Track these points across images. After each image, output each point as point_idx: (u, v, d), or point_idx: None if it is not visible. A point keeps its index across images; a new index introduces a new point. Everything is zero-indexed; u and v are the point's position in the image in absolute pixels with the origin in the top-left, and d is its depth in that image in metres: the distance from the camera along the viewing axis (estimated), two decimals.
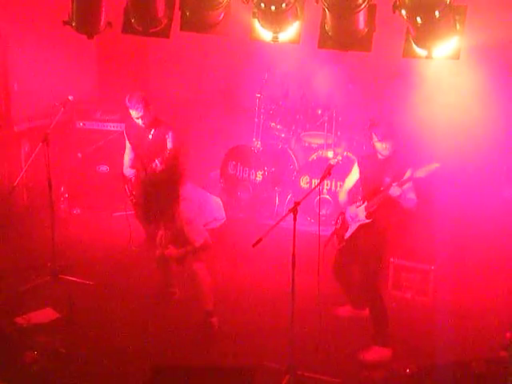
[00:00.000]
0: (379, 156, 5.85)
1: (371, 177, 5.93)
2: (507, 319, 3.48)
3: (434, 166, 5.45)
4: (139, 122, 6.85)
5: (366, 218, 5.86)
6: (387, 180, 5.72)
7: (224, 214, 6.32)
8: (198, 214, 6.01)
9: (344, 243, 6.08)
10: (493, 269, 6.87)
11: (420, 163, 5.56)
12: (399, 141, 5.79)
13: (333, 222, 6.33)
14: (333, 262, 6.25)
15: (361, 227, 5.92)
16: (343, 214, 6.13)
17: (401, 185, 5.56)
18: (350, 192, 6.20)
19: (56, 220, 7.16)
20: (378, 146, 5.77)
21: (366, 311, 6.22)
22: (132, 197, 7.11)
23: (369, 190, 5.94)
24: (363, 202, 5.92)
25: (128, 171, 7.03)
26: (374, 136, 5.77)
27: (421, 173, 5.49)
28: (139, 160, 6.91)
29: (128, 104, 6.81)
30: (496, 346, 5.48)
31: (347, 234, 6.02)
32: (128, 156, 7.07)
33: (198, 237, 5.95)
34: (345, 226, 6.07)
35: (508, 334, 3.87)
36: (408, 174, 5.55)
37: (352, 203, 6.08)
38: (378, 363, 5.63)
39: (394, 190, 5.58)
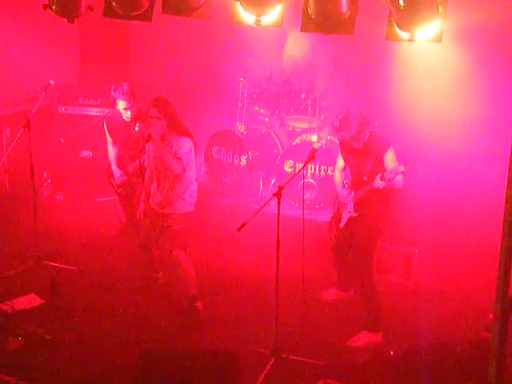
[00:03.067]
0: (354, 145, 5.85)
1: (352, 163, 5.95)
2: (489, 301, 3.50)
3: (401, 168, 5.35)
4: (127, 113, 6.80)
5: (354, 211, 5.87)
6: (368, 167, 5.71)
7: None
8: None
9: (338, 231, 6.16)
10: (475, 251, 6.92)
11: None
12: (371, 128, 5.75)
13: (334, 208, 6.31)
14: (332, 245, 6.34)
15: (350, 219, 5.94)
16: (337, 199, 6.16)
17: (383, 178, 5.45)
18: (344, 170, 6.20)
19: (39, 206, 7.11)
20: (351, 141, 5.74)
21: (351, 293, 6.29)
22: (120, 189, 7.14)
23: (354, 175, 5.96)
24: (351, 191, 5.93)
25: (117, 172, 7.05)
26: (342, 137, 5.79)
27: (389, 174, 5.41)
28: (128, 154, 6.91)
29: (114, 94, 6.76)
30: (479, 327, 5.57)
31: (341, 224, 6.05)
32: (111, 152, 7.07)
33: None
34: (339, 212, 6.10)
35: (490, 315, 3.91)
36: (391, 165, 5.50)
37: (344, 186, 6.08)
38: (367, 348, 5.65)
39: (378, 184, 5.49)
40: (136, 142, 6.76)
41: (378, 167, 5.62)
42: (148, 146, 6.00)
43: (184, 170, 5.83)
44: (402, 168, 5.34)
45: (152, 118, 5.80)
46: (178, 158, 5.79)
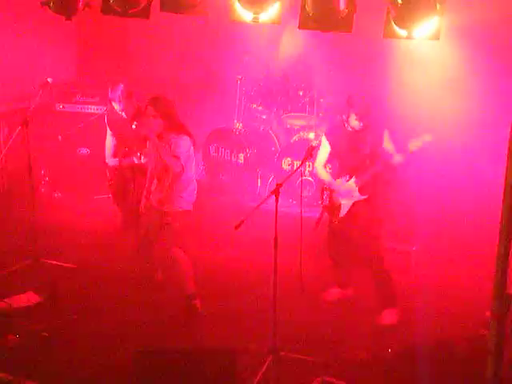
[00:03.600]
0: (348, 128, 5.88)
1: (346, 149, 5.95)
2: (486, 298, 3.50)
3: (427, 137, 5.56)
4: (122, 114, 6.81)
5: (361, 194, 5.90)
6: (366, 150, 5.77)
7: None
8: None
9: (337, 221, 6.09)
10: (472, 249, 6.93)
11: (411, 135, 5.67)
12: (373, 116, 5.85)
13: (319, 201, 6.28)
14: (326, 240, 6.32)
15: (356, 203, 5.95)
16: (328, 190, 6.11)
17: (406, 151, 5.66)
18: (326, 165, 6.24)
19: (37, 203, 7.10)
20: (355, 123, 5.81)
21: (351, 290, 6.32)
22: (112, 181, 7.10)
23: (348, 162, 5.96)
24: (350, 177, 5.93)
25: (111, 161, 7.00)
26: (352, 115, 5.80)
27: (414, 145, 5.60)
28: (122, 150, 6.88)
29: (110, 96, 6.75)
30: (476, 324, 5.57)
31: (342, 212, 6.03)
32: (109, 144, 7.03)
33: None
34: (334, 202, 6.07)
35: (487, 313, 3.91)
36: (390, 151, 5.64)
37: (336, 178, 6.07)
38: (394, 324, 5.86)
39: (399, 159, 5.71)
40: (131, 139, 6.74)
41: (377, 149, 5.75)
42: (148, 144, 6.01)
43: (183, 169, 5.83)
44: (428, 136, 5.56)
45: (149, 117, 5.80)
46: (177, 157, 5.78)
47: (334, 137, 6.03)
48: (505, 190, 3.29)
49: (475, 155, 7.46)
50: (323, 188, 6.16)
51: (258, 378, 5.09)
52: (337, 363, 5.34)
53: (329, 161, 6.22)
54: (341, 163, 6.09)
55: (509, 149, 3.25)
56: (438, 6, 5.28)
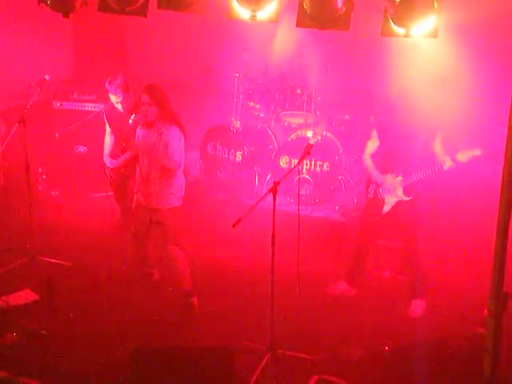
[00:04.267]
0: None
1: (396, 147, 5.97)
2: (484, 296, 3.51)
3: (477, 152, 5.64)
4: (119, 106, 6.79)
5: (406, 195, 5.95)
6: (416, 151, 5.82)
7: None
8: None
9: (379, 217, 6.12)
10: (470, 247, 6.94)
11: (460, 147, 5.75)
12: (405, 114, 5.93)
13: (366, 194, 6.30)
14: (361, 232, 6.33)
15: (401, 203, 6.00)
16: (374, 183, 6.12)
17: (455, 159, 5.71)
18: (373, 156, 6.20)
19: (34, 201, 7.10)
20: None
21: (356, 290, 6.38)
22: (111, 178, 7.08)
23: (396, 160, 5.99)
24: (396, 176, 5.96)
25: (108, 161, 6.97)
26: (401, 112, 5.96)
27: (463, 156, 5.67)
28: (120, 145, 6.86)
29: (108, 87, 6.74)
30: (473, 322, 5.58)
31: (385, 209, 6.06)
32: (108, 141, 7.01)
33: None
34: (378, 198, 6.10)
35: (485, 311, 3.92)
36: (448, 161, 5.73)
37: (384, 173, 6.07)
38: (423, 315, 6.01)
39: (450, 164, 5.75)
40: (128, 134, 6.72)
41: (428, 150, 5.81)
42: (138, 135, 5.98)
43: (178, 166, 5.81)
44: (478, 152, 5.64)
45: (144, 104, 5.78)
46: (166, 147, 5.76)
47: (385, 134, 6.06)
48: (501, 188, 3.30)
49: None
50: (369, 180, 6.18)
51: (255, 375, 5.10)
52: (334, 361, 5.35)
53: (374, 155, 6.21)
54: (389, 159, 6.08)
55: (506, 147, 3.25)
56: (435, 4, 5.28)
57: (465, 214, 7.14)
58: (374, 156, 6.22)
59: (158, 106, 5.78)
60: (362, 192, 6.48)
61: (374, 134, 6.14)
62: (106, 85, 6.74)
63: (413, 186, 5.92)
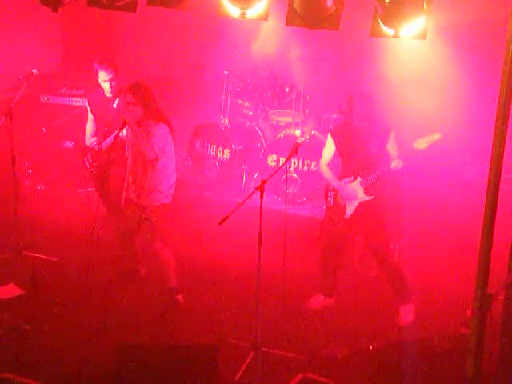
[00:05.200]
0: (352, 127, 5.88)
1: (352, 148, 5.91)
2: (468, 297, 3.53)
3: (437, 136, 5.52)
4: (107, 86, 6.71)
5: (367, 194, 5.87)
6: (372, 150, 5.76)
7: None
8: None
9: (342, 223, 6.02)
10: (455, 248, 6.97)
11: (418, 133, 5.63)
12: (376, 112, 5.86)
13: (324, 203, 6.24)
14: (322, 245, 6.24)
15: (362, 204, 5.92)
16: (333, 190, 6.05)
17: (401, 157, 5.65)
18: (329, 165, 6.13)
19: (20, 195, 7.06)
20: (359, 120, 5.82)
21: (333, 299, 6.27)
22: (92, 168, 7.01)
23: (353, 161, 5.92)
24: (355, 178, 5.90)
25: (89, 140, 6.92)
26: (348, 116, 5.84)
27: (422, 143, 5.56)
28: (102, 130, 6.82)
29: (97, 66, 6.69)
30: (457, 323, 5.61)
31: (347, 214, 5.97)
32: (90, 128, 6.97)
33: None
34: (338, 204, 6.01)
35: (469, 312, 3.95)
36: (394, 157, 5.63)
37: (340, 178, 6.01)
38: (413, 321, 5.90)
39: (397, 163, 5.67)
40: (112, 118, 6.68)
41: (383, 148, 5.75)
42: (127, 132, 5.97)
43: (156, 157, 5.78)
44: (438, 136, 5.52)
45: (128, 104, 5.76)
46: (151, 145, 5.75)
47: (340, 135, 5.99)
48: (487, 189, 3.32)
49: (460, 156, 7.50)
50: (328, 188, 6.11)
51: (240, 373, 5.10)
52: (318, 360, 5.36)
53: (333, 160, 6.17)
54: (346, 163, 6.03)
55: (492, 150, 3.28)
56: (425, 5, 5.29)
57: (449, 215, 7.18)
58: (332, 161, 6.16)
59: (143, 106, 5.75)
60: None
61: (328, 138, 6.07)
62: (96, 64, 6.69)
63: (373, 184, 5.84)
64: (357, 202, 5.92)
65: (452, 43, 7.05)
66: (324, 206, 6.21)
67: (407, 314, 5.95)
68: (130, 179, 6.03)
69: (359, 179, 5.87)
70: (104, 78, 6.71)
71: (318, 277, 6.38)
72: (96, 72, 6.78)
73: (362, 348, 5.47)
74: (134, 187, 5.98)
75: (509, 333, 3.86)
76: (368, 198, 5.88)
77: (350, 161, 5.96)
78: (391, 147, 5.81)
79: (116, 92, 6.75)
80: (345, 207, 5.97)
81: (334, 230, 6.09)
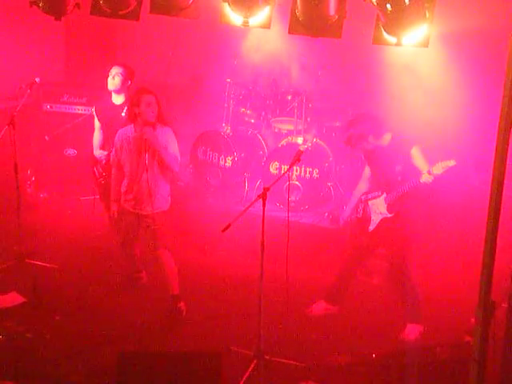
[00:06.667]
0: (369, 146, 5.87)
1: (380, 166, 5.96)
2: (471, 305, 3.52)
3: (452, 163, 5.49)
4: (117, 79, 6.60)
5: (389, 212, 5.89)
6: (398, 168, 5.77)
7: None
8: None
9: (365, 236, 6.06)
10: (458, 256, 6.95)
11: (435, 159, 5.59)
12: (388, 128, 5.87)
13: (354, 213, 6.25)
14: (350, 254, 6.24)
15: (384, 221, 5.94)
16: (363, 202, 6.10)
17: (431, 173, 5.56)
18: (370, 179, 6.20)
19: (22, 203, 7.05)
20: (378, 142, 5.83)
21: (338, 308, 6.26)
22: (101, 178, 7.01)
23: (381, 179, 5.98)
24: (381, 193, 5.94)
25: (99, 152, 6.91)
26: (370, 136, 5.81)
27: (438, 169, 5.52)
28: (109, 140, 6.81)
29: (113, 69, 6.66)
30: (460, 331, 5.59)
31: (371, 227, 6.01)
32: (97, 137, 6.96)
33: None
34: (366, 216, 6.05)
35: (472, 320, 3.93)
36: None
37: (369, 192, 6.09)
38: (417, 339, 5.81)
39: (427, 178, 5.59)
40: (120, 127, 6.66)
41: (408, 165, 5.73)
42: (120, 139, 5.95)
43: (176, 160, 5.82)
44: (453, 162, 5.48)
45: (149, 104, 5.75)
46: (166, 148, 5.78)
47: (368, 157, 6.04)
48: (490, 197, 3.32)
49: (463, 162, 7.47)
50: (359, 200, 6.17)
51: (242, 381, 5.08)
52: (321, 368, 5.35)
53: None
54: (374, 177, 6.09)
55: (495, 158, 3.27)
56: (427, 13, 5.31)
57: (454, 223, 7.16)
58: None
59: (160, 107, 5.79)
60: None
61: (366, 171, 6.16)
62: (113, 68, 6.65)
63: (397, 201, 5.85)
64: (379, 217, 5.96)
65: (454, 51, 7.06)
66: (354, 216, 6.23)
67: (413, 332, 5.90)
68: (124, 188, 6.02)
69: (384, 195, 5.91)
70: (116, 72, 6.64)
71: (324, 283, 6.40)
72: (106, 78, 6.74)
73: (365, 356, 5.45)
74: (130, 196, 5.98)
75: None
76: (389, 215, 5.91)
77: (378, 177, 6.02)
78: (419, 162, 5.75)
79: (125, 100, 6.69)
80: (370, 220, 6.02)
81: (360, 240, 6.13)
